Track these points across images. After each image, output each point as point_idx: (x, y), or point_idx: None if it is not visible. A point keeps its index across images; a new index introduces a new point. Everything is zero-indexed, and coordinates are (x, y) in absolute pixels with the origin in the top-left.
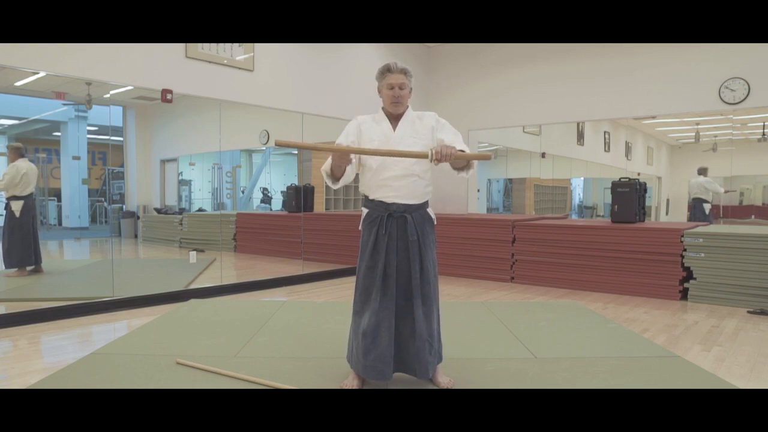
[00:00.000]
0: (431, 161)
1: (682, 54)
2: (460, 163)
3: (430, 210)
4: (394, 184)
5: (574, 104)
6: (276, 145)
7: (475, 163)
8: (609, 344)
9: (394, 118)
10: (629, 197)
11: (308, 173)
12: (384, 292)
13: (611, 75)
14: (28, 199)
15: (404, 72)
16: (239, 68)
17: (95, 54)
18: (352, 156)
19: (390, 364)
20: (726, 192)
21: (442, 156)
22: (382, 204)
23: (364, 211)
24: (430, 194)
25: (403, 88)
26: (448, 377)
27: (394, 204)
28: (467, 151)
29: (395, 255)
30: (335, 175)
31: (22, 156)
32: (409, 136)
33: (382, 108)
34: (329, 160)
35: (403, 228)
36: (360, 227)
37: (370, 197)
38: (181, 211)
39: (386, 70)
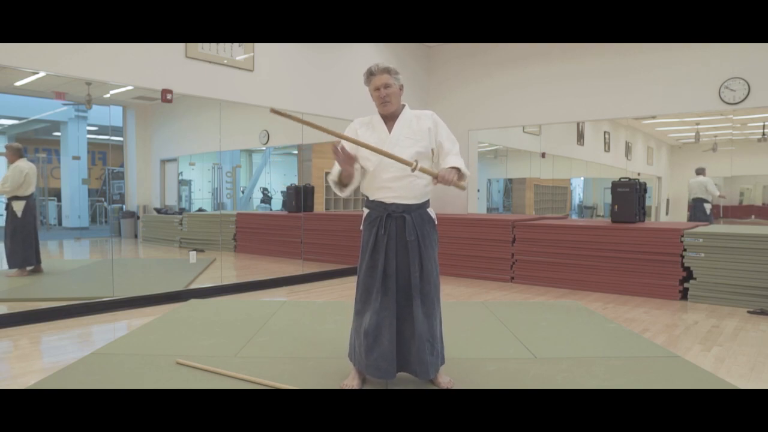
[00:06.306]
0: (413, 171)
1: (682, 54)
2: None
3: (430, 210)
4: (392, 185)
5: (574, 104)
6: (271, 112)
7: (468, 176)
8: (609, 344)
9: (390, 119)
10: (629, 197)
11: (308, 173)
12: (384, 292)
13: (611, 75)
14: (30, 199)
15: (387, 71)
16: (239, 68)
17: (95, 54)
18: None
19: (393, 363)
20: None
21: (446, 181)
22: (381, 204)
23: (365, 211)
24: (430, 194)
25: (388, 87)
26: (448, 377)
27: (393, 204)
28: (461, 162)
29: (395, 255)
30: (343, 182)
31: (21, 156)
32: (405, 137)
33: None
34: (336, 168)
35: (402, 228)
36: (361, 227)
37: (371, 198)
38: (181, 211)
39: (369, 74)
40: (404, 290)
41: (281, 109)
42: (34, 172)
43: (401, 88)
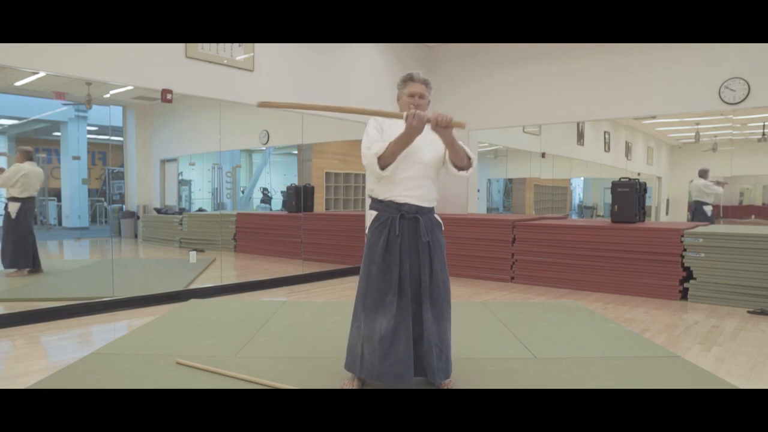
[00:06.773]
0: (406, 120)
1: (682, 54)
2: (462, 161)
3: (437, 215)
4: (409, 184)
5: (574, 104)
6: (258, 106)
7: (475, 161)
8: (609, 344)
9: None
10: (629, 197)
11: (308, 173)
12: (401, 295)
13: (611, 75)
14: (26, 202)
15: (425, 83)
16: (239, 68)
17: (95, 54)
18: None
19: (410, 368)
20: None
21: (441, 117)
22: (393, 204)
23: (373, 214)
24: (436, 202)
25: (423, 98)
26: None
27: (405, 204)
28: (467, 148)
29: (408, 257)
30: (387, 160)
31: (30, 159)
32: (425, 143)
33: None
34: (375, 148)
35: (414, 229)
36: (367, 231)
37: (380, 198)
38: (181, 211)
39: (408, 79)
40: (415, 293)
41: (272, 102)
42: (37, 176)
43: (429, 103)
